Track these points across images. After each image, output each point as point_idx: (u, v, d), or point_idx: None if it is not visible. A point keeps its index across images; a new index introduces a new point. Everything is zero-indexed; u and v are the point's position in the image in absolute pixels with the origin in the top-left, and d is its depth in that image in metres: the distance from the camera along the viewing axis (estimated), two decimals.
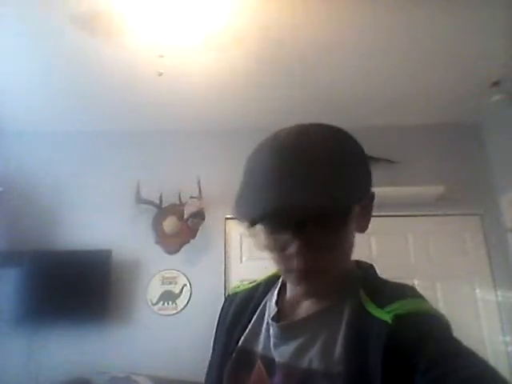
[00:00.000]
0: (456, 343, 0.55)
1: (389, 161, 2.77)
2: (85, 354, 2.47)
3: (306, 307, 0.68)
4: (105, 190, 2.84)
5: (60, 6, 1.85)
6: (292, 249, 0.58)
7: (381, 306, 0.60)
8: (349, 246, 0.64)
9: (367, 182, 0.66)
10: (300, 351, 0.63)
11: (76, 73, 2.36)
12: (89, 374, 2.30)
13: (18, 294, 2.50)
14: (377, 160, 2.78)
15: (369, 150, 2.85)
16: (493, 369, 0.49)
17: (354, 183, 0.59)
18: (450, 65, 2.32)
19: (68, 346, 2.51)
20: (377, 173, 2.94)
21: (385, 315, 0.58)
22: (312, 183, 0.54)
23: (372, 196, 0.68)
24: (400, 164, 2.77)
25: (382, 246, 2.67)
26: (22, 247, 2.60)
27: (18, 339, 2.48)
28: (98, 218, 2.77)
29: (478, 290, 2.58)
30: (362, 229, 0.67)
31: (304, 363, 0.62)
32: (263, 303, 0.75)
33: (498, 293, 2.55)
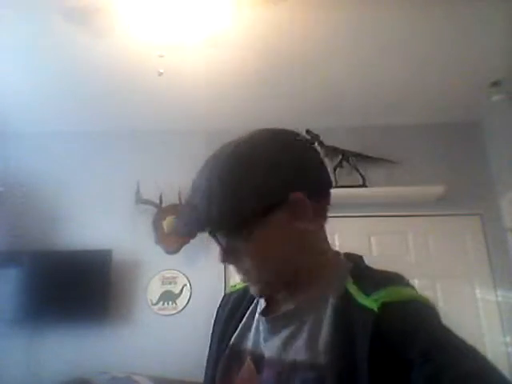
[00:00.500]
0: (447, 332, 0.54)
1: (389, 161, 2.77)
2: (85, 354, 2.47)
3: (293, 299, 0.68)
4: (105, 189, 2.84)
5: (59, 4, 1.85)
6: (218, 256, 0.67)
7: (367, 293, 0.58)
8: (275, 252, 0.64)
9: (264, 193, 0.61)
10: (286, 344, 0.63)
11: (76, 73, 2.36)
12: (89, 374, 2.29)
13: (18, 294, 2.50)
14: (377, 160, 2.79)
15: (369, 150, 2.86)
16: (489, 362, 0.49)
17: (242, 198, 0.61)
18: (450, 65, 2.32)
19: (68, 346, 2.51)
20: (377, 173, 2.95)
21: (371, 303, 0.56)
22: (204, 201, 0.61)
23: (294, 201, 0.62)
24: (400, 164, 2.77)
25: (382, 246, 2.66)
26: (21, 247, 2.60)
27: (18, 339, 2.48)
28: (98, 218, 2.77)
29: (478, 290, 2.57)
30: (313, 228, 0.65)
31: (290, 355, 0.61)
32: (255, 301, 0.76)
33: (498, 293, 2.55)
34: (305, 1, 1.87)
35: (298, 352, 0.60)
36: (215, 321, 0.82)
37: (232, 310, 0.78)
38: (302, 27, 2.02)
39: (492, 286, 2.57)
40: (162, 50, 2.03)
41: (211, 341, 0.79)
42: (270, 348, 0.65)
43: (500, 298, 2.54)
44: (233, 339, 0.72)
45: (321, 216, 0.68)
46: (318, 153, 0.71)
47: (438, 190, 2.62)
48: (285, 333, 0.64)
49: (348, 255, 0.71)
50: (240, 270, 0.67)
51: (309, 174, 0.66)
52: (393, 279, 0.62)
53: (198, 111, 2.75)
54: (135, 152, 2.94)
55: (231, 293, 0.83)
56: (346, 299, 0.60)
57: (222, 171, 0.63)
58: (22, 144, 2.91)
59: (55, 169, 2.89)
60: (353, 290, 0.61)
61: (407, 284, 0.62)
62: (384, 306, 0.55)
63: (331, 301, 0.62)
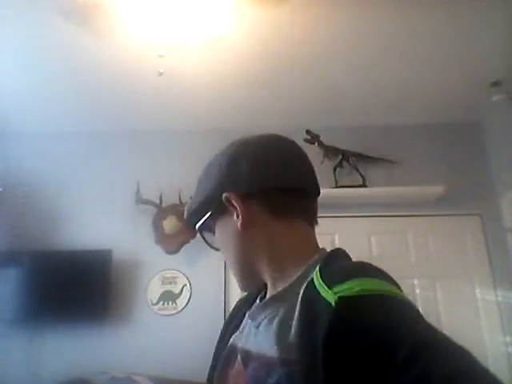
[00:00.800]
0: (422, 329, 0.48)
1: (389, 161, 2.77)
2: (85, 354, 2.47)
3: (270, 292, 0.69)
4: (105, 189, 2.84)
5: (59, 4, 1.85)
6: None
7: (329, 285, 0.54)
8: (230, 245, 0.71)
9: (205, 195, 0.71)
10: (263, 338, 0.63)
11: (76, 73, 2.36)
12: (89, 374, 2.29)
13: (18, 294, 2.50)
14: (377, 160, 2.79)
15: (369, 150, 2.87)
16: (475, 359, 0.45)
17: (194, 201, 0.74)
18: (450, 65, 2.32)
19: (68, 346, 2.51)
20: (377, 173, 2.96)
21: (330, 296, 0.52)
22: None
23: (226, 200, 0.68)
24: (400, 164, 2.77)
25: (382, 246, 2.66)
26: (21, 247, 2.60)
27: (18, 339, 2.48)
28: (98, 218, 2.77)
29: (478, 290, 2.57)
30: (240, 227, 0.68)
31: (267, 351, 0.59)
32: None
33: (498, 293, 2.55)
34: (305, 2, 1.87)
35: (272, 347, 0.58)
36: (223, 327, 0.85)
37: (234, 314, 0.81)
38: (303, 28, 2.03)
39: (492, 286, 2.57)
40: (162, 50, 2.03)
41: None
42: (254, 343, 0.65)
43: (500, 298, 2.54)
44: (231, 339, 0.73)
45: (292, 212, 0.69)
46: (299, 151, 0.73)
47: (437, 189, 2.62)
48: (261, 328, 0.65)
49: (332, 250, 0.68)
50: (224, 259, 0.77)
51: (263, 171, 0.68)
52: (362, 271, 0.56)
53: (198, 111, 2.75)
54: (135, 152, 2.94)
55: (241, 298, 0.85)
56: (311, 290, 0.57)
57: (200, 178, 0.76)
58: (22, 144, 2.91)
59: (55, 169, 2.89)
60: (317, 281, 0.58)
61: (382, 277, 0.56)
62: (342, 301, 0.50)
63: (300, 293, 0.60)
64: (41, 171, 2.86)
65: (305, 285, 0.60)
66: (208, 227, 0.74)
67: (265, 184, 0.67)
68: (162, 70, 2.01)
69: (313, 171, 0.73)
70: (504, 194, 2.62)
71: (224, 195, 0.67)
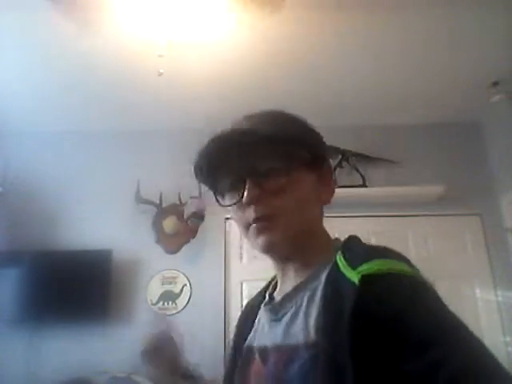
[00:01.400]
0: (435, 313, 0.50)
1: (389, 161, 2.77)
2: (85, 354, 2.47)
3: (291, 284, 0.68)
4: (105, 190, 2.83)
5: (59, 5, 1.85)
6: (246, 195, 0.63)
7: (353, 266, 0.56)
8: (307, 204, 0.67)
9: (312, 147, 0.70)
10: (287, 328, 0.63)
11: (76, 73, 2.36)
12: (89, 373, 2.29)
13: (18, 293, 2.50)
14: (377, 160, 2.79)
15: (369, 150, 2.86)
16: (486, 350, 0.46)
17: (292, 144, 0.66)
18: (450, 65, 2.32)
19: (68, 346, 2.50)
20: (377, 173, 2.95)
21: (353, 276, 0.54)
22: (271, 127, 0.65)
23: (327, 168, 0.72)
24: (400, 164, 2.77)
25: None
26: (22, 247, 2.60)
27: (18, 339, 2.48)
28: (98, 218, 2.77)
29: (477, 290, 2.57)
30: (324, 201, 0.70)
31: (292, 340, 0.60)
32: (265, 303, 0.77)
33: (498, 293, 2.55)
34: (306, 3, 1.87)
35: (297, 335, 0.59)
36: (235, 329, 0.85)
37: (245, 316, 0.81)
38: (303, 28, 2.03)
39: (492, 286, 2.57)
40: (161, 49, 2.03)
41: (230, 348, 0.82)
42: (273, 337, 0.65)
43: (500, 298, 2.54)
44: (247, 341, 0.73)
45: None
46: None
47: (438, 189, 2.62)
48: (285, 318, 0.65)
49: (349, 236, 0.71)
50: (265, 210, 0.64)
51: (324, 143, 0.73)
52: (383, 253, 0.58)
53: (198, 111, 2.75)
54: (135, 152, 2.94)
55: (248, 302, 0.86)
56: (335, 272, 0.59)
57: (282, 116, 0.71)
58: (22, 144, 2.91)
59: (55, 169, 2.89)
60: (341, 263, 0.59)
61: (400, 259, 0.58)
62: (365, 279, 0.52)
63: (323, 276, 0.61)
64: (41, 171, 2.86)
65: (329, 268, 0.61)
66: (291, 169, 0.66)
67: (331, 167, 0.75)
68: (162, 70, 2.01)
69: None
70: (504, 194, 2.62)
71: (327, 161, 0.71)
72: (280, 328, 0.64)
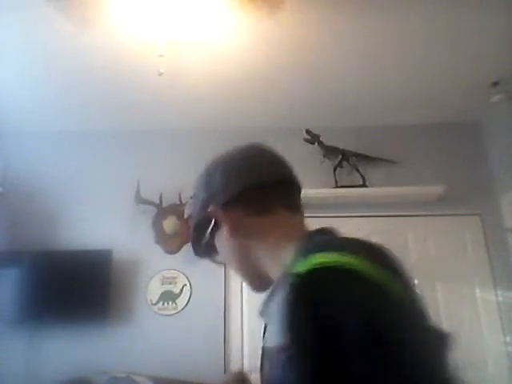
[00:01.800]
0: (360, 309, 0.46)
1: (389, 161, 2.77)
2: (85, 354, 2.47)
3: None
4: (105, 190, 2.83)
5: (59, 5, 1.85)
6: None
7: (294, 264, 0.56)
8: (233, 259, 0.74)
9: (199, 206, 0.74)
10: (267, 329, 0.65)
11: (76, 73, 2.36)
12: (89, 373, 2.29)
13: (18, 293, 2.50)
14: (377, 160, 2.79)
15: (369, 150, 2.86)
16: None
17: (191, 226, 0.76)
18: (450, 65, 2.32)
19: (68, 346, 2.51)
20: (377, 173, 2.95)
21: (292, 274, 0.54)
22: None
23: (212, 213, 0.71)
24: (400, 164, 2.77)
25: None
26: (22, 247, 2.60)
27: (18, 339, 2.48)
28: (98, 218, 2.77)
29: (477, 290, 2.57)
30: (232, 238, 0.71)
31: (269, 343, 0.61)
32: None
33: (498, 293, 2.55)
34: (307, 3, 1.87)
35: (270, 337, 0.60)
36: None
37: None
38: (304, 28, 2.03)
39: (492, 286, 2.57)
40: (161, 49, 2.03)
41: None
42: (265, 339, 0.67)
43: (500, 298, 2.54)
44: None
45: (270, 205, 0.70)
46: (270, 152, 0.75)
47: (437, 189, 2.62)
48: (266, 322, 0.66)
49: (314, 229, 0.70)
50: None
51: (239, 175, 0.71)
52: (326, 246, 0.56)
53: (198, 111, 2.75)
54: (135, 152, 2.94)
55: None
56: (286, 271, 0.59)
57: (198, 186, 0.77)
58: (22, 144, 2.91)
59: (55, 168, 2.89)
60: (292, 262, 0.60)
61: (350, 249, 0.54)
62: (293, 277, 0.52)
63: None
64: (41, 171, 2.86)
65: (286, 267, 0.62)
66: (210, 246, 0.75)
67: (237, 188, 0.70)
68: (162, 70, 2.01)
69: (283, 161, 0.75)
70: (504, 194, 2.62)
71: (208, 211, 0.71)
72: (268, 330, 0.66)
